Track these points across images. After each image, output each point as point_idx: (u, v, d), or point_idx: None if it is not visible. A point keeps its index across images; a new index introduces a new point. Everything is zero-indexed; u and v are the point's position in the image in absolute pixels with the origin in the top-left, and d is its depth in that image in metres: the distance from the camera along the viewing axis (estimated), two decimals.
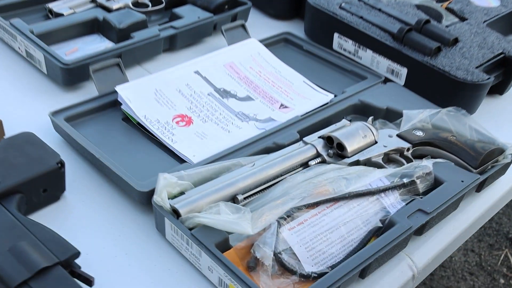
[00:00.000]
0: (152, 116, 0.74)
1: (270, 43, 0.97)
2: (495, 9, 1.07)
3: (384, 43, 0.93)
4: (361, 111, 0.83)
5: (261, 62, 0.90)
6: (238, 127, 0.75)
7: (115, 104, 0.77)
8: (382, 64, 0.94)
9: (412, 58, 0.90)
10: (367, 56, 0.96)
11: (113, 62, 0.79)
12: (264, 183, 0.65)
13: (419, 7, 1.06)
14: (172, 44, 0.93)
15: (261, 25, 1.08)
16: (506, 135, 0.81)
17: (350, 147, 0.69)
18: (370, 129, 0.73)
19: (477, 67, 0.89)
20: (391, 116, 0.81)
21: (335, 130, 0.72)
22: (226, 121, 0.76)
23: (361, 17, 0.98)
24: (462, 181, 0.69)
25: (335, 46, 1.00)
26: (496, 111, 0.94)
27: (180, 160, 0.69)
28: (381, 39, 0.93)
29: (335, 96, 0.85)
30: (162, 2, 0.99)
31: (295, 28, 1.08)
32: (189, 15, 0.96)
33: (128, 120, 0.76)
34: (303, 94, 0.84)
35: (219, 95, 0.81)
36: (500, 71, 0.94)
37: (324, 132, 0.72)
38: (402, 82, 0.92)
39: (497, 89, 0.96)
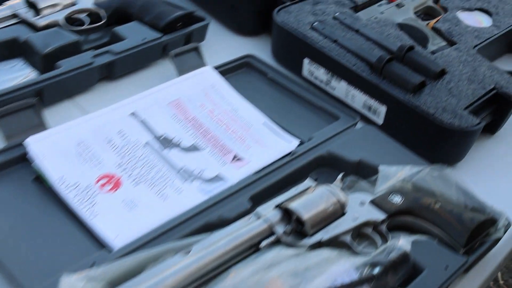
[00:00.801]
0: (71, 177, 0.59)
1: (230, 69, 0.83)
2: (486, 31, 0.95)
3: (360, 75, 0.79)
4: (330, 165, 0.69)
5: (215, 97, 0.76)
6: (178, 191, 0.61)
7: (26, 159, 0.62)
8: (358, 98, 0.81)
9: (392, 95, 0.77)
10: (341, 88, 0.83)
11: (27, 104, 0.65)
12: (203, 277, 0.51)
13: (402, 27, 0.93)
14: (110, 71, 0.79)
15: (222, 43, 0.94)
16: (498, 182, 0.76)
17: (311, 224, 0.57)
18: (337, 197, 0.60)
19: (466, 108, 0.77)
20: (365, 171, 0.68)
21: (295, 197, 0.59)
22: (164, 182, 0.62)
23: (335, 41, 0.85)
24: (447, 267, 0.57)
25: (305, 72, 0.87)
26: (487, 154, 0.82)
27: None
28: (357, 69, 0.80)
29: (300, 143, 0.72)
30: (101, 20, 0.84)
31: (263, 47, 0.94)
32: (133, 35, 0.81)
33: (41, 180, 0.61)
34: (262, 141, 0.71)
35: (159, 144, 0.67)
36: (492, 109, 0.82)
37: (282, 199, 0.59)
38: (381, 121, 0.80)
39: (488, 128, 0.84)
